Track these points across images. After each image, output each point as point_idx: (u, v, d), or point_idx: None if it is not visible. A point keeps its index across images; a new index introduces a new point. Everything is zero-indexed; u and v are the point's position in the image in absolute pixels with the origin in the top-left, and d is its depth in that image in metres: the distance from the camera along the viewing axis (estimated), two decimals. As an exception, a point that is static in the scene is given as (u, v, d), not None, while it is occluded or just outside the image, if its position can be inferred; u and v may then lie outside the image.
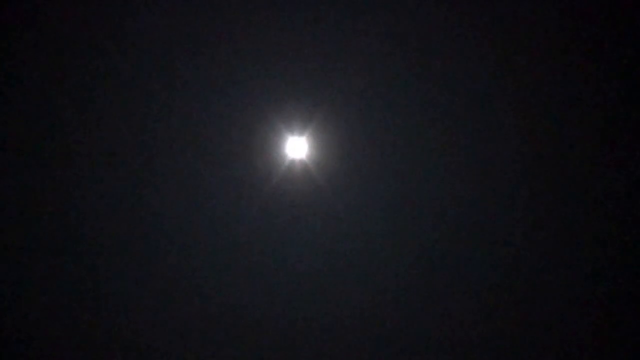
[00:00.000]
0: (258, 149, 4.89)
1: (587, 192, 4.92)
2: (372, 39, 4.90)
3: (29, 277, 4.83)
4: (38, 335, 4.83)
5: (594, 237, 4.89)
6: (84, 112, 4.91)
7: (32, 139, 4.87)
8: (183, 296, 4.87)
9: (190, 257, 4.88)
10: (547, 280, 4.88)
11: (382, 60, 4.91)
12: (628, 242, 4.88)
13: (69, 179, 4.89)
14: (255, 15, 4.90)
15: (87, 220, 4.88)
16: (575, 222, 4.90)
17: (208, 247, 4.89)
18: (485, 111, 4.91)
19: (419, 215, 4.89)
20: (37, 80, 4.89)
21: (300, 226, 4.88)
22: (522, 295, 4.88)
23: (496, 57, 4.93)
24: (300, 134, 4.91)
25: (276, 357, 4.85)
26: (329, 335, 4.87)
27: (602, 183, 4.91)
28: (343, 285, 4.88)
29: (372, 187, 4.89)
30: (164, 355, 4.84)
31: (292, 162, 4.90)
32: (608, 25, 4.93)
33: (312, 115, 4.89)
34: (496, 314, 4.87)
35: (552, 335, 4.86)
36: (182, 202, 4.89)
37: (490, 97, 4.91)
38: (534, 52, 4.93)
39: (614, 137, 4.92)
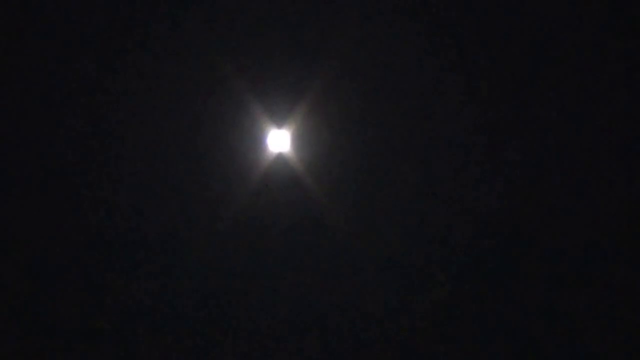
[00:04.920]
0: (240, 143, 4.89)
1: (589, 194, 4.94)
2: (354, 31, 4.92)
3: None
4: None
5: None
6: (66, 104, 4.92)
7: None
8: (165, 291, 4.83)
9: (172, 252, 4.84)
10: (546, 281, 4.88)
11: (364, 52, 4.92)
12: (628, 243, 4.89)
13: (53, 168, 4.89)
14: (237, 7, 4.92)
15: (72, 211, 4.87)
16: (575, 222, 4.91)
17: (190, 242, 4.86)
18: (470, 102, 4.93)
19: (403, 207, 4.87)
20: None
21: (281, 219, 4.86)
22: (520, 294, 4.85)
23: (482, 46, 4.97)
24: (282, 126, 4.92)
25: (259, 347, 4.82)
26: (314, 328, 4.85)
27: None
28: (325, 276, 4.84)
29: (353, 179, 4.89)
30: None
31: (274, 155, 4.90)
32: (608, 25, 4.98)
33: (294, 108, 4.89)
34: (491, 310, 4.84)
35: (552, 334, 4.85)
36: (164, 197, 4.87)
37: (475, 85, 4.94)
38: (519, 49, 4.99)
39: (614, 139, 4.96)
